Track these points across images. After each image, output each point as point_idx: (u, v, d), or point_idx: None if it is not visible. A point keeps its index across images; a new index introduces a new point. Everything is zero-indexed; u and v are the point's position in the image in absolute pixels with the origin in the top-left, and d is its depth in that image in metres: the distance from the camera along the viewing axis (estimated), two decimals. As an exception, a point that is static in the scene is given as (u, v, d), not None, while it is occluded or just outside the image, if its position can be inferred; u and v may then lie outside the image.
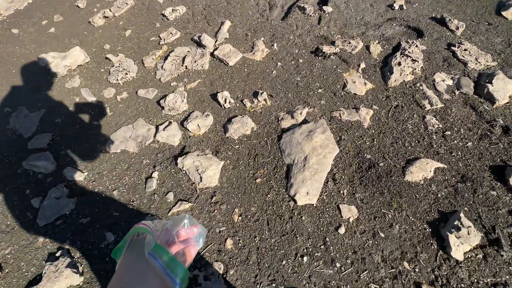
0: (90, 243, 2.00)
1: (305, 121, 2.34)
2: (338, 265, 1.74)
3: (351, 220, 1.87)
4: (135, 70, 2.90)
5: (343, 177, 2.05)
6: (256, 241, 1.87)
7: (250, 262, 1.81)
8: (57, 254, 1.94)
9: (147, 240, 0.52)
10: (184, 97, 2.58)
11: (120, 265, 0.52)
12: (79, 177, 2.26)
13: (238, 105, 2.55)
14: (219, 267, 1.79)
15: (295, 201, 1.97)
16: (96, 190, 2.21)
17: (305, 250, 1.81)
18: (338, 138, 2.23)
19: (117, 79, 2.80)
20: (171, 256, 0.51)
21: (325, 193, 2.00)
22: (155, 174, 2.22)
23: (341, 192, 1.99)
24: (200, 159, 2.17)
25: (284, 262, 1.79)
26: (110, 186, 2.22)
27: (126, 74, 2.82)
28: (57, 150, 2.46)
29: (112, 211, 2.10)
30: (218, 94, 2.52)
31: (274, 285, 1.72)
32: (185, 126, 2.40)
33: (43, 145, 2.48)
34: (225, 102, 2.50)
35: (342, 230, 1.84)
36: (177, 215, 0.78)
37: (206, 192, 2.11)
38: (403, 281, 1.66)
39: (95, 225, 2.07)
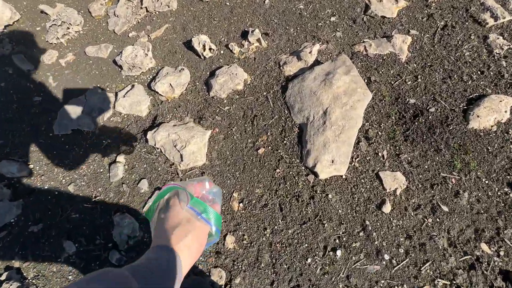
0: (46, 258, 1.49)
1: (317, 62, 1.67)
2: (387, 257, 1.23)
3: (398, 192, 1.32)
4: (80, 22, 2.15)
5: (379, 133, 1.46)
6: (267, 235, 1.34)
7: (262, 265, 1.30)
8: (2, 278, 1.44)
9: (181, 196, 0.56)
10: (148, 50, 1.88)
11: (160, 222, 0.54)
12: (22, 172, 1.68)
13: (222, 52, 1.86)
14: (219, 275, 1.29)
15: (315, 174, 1.40)
16: (46, 187, 1.64)
17: (337, 241, 1.29)
18: (366, 80, 1.59)
19: (58, 37, 2.08)
20: (207, 205, 0.55)
21: (357, 159, 1.41)
22: (121, 158, 1.63)
23: (380, 154, 1.41)
24: (177, 131, 1.56)
25: (309, 260, 1.27)
26: (64, 180, 1.65)
27: (68, 29, 2.09)
28: (-9, 140, 1.84)
29: (69, 213, 1.56)
30: (193, 40, 1.82)
31: (298, 292, 1.22)
32: (153, 88, 1.75)
33: (-29, 136, 1.86)
34: (204, 50, 1.81)
35: (387, 208, 1.29)
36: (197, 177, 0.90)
37: (191, 174, 1.54)
38: (484, 271, 1.15)
39: (50, 233, 1.54)
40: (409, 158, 1.38)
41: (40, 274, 1.46)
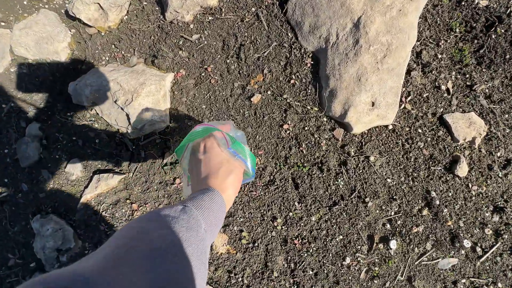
0: None
1: (333, -47, 1.05)
2: (467, 244, 0.79)
3: (476, 143, 0.84)
4: None
5: (439, 56, 0.93)
6: (278, 227, 0.86)
7: (275, 274, 0.83)
8: None
9: (220, 138, 0.56)
10: (59, -46, 1.15)
11: (200, 163, 0.54)
12: None
13: (180, -50, 1.17)
14: (209, 297, 0.81)
15: (346, 128, 0.89)
16: None
17: (388, 227, 0.82)
18: (411, -24, 1.01)
19: None
20: (244, 146, 0.58)
21: (409, 98, 0.90)
22: (34, 129, 1.03)
23: (443, 88, 0.90)
24: (117, 77, 0.95)
25: (347, 259, 0.81)
26: None
27: None
28: None
29: (-38, 222, 0.98)
30: None
31: (335, 310, 0.77)
32: (73, 13, 1.07)
33: None
34: None
35: (462, 169, 0.82)
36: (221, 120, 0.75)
37: (149, 144, 0.97)
38: None
39: None
40: (487, 90, 0.89)
41: None
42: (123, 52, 1.07)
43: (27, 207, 0.98)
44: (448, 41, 0.94)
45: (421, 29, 0.96)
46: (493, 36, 0.93)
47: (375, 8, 0.87)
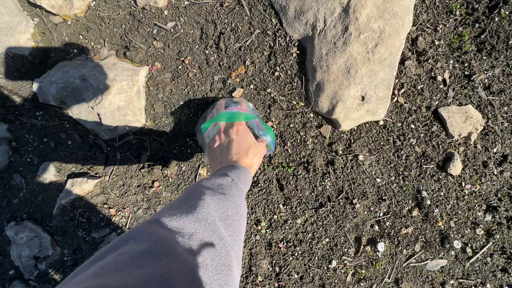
0: None
1: None
2: (457, 244, 0.76)
3: (472, 138, 0.79)
4: None
5: (436, 42, 0.85)
6: (262, 231, 0.82)
7: (259, 278, 0.80)
8: None
9: (255, 123, 0.69)
10: None
11: (232, 143, 0.61)
12: None
13: None
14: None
15: (334, 124, 0.83)
16: None
17: (376, 228, 0.79)
18: (408, -50, 0.90)
19: None
20: (269, 126, 0.71)
21: (402, 90, 0.83)
22: (2, 129, 0.96)
23: (439, 78, 0.83)
24: (85, 72, 0.87)
25: (334, 262, 0.79)
26: None
27: None
28: None
29: None
30: None
31: (320, 313, 0.76)
32: (33, 0, 0.96)
33: None
34: None
35: (456, 167, 0.77)
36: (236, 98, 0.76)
37: (124, 145, 0.91)
38: None
39: None
40: (486, 80, 0.82)
41: None
42: (92, 44, 0.98)
43: (1, 214, 0.93)
44: (447, 25, 0.86)
45: (418, 12, 0.87)
46: (496, 19, 0.84)
47: (367, -10, 0.78)
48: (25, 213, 0.92)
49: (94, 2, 1.00)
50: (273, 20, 0.90)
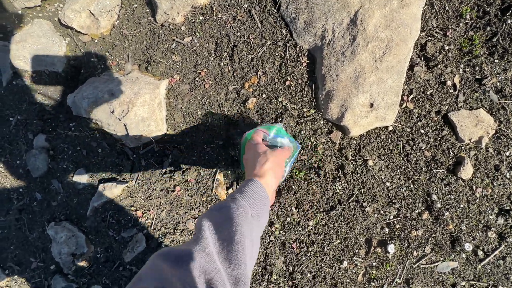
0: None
1: None
2: (468, 247, 0.77)
3: (483, 142, 0.79)
4: None
5: (446, 47, 0.86)
6: (276, 232, 0.87)
7: (274, 276, 0.86)
8: None
9: (260, 134, 0.70)
10: (47, -42, 1.13)
11: (246, 159, 0.66)
12: None
13: None
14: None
15: (343, 130, 0.87)
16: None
17: (386, 231, 0.82)
18: (417, -44, 0.91)
19: None
20: (277, 127, 0.73)
21: (411, 96, 0.85)
22: (41, 140, 1.07)
23: (449, 83, 0.84)
24: (112, 87, 0.96)
25: (345, 263, 0.82)
26: (-30, 183, 1.11)
27: None
28: None
29: (-13, 229, 1.07)
30: None
31: (332, 310, 0.80)
32: (65, 22, 1.07)
33: None
34: None
35: (466, 171, 0.79)
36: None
37: (148, 153, 0.99)
38: None
39: (-32, 259, 1.07)
40: (498, 84, 0.82)
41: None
42: (117, 59, 1.07)
43: (43, 215, 1.04)
44: (457, 30, 0.86)
45: (426, 17, 0.88)
46: (509, 21, 0.84)
47: (374, 0, 0.80)
48: (63, 215, 1.03)
49: (118, 21, 1.09)
50: (284, 31, 0.95)
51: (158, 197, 0.96)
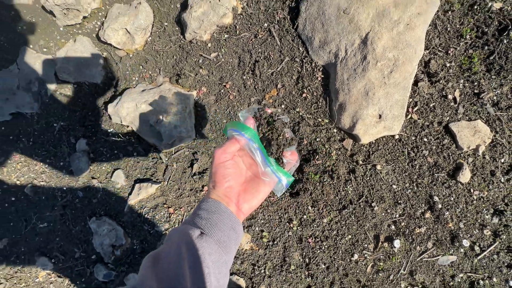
0: (22, 278, 1.20)
1: (342, -38, 1.07)
2: (466, 243, 0.87)
3: (480, 150, 0.89)
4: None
5: (448, 64, 0.96)
6: (294, 228, 0.99)
7: (292, 267, 0.97)
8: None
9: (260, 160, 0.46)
10: (86, -19, 1.26)
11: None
12: (-36, 177, 1.28)
13: (194, -32, 1.23)
14: (237, 285, 0.98)
15: (355, 138, 0.97)
16: (5, 187, 1.26)
17: (392, 228, 0.92)
18: (422, -19, 1.01)
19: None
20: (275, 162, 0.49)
21: (416, 108, 0.96)
22: (82, 144, 1.20)
23: (450, 97, 0.94)
24: (148, 98, 1.08)
25: (355, 256, 0.93)
26: (18, 181, 1.26)
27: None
28: None
29: (35, 223, 1.21)
30: (148, -46, 1.18)
31: (344, 297, 0.91)
32: (104, 39, 1.20)
33: None
34: (167, -32, 1.19)
35: (465, 175, 0.88)
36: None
37: (179, 156, 1.12)
38: None
39: (18, 249, 1.22)
40: (495, 98, 0.92)
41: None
42: (150, 72, 1.19)
43: (84, 211, 1.18)
44: (458, 48, 0.96)
45: (430, 37, 0.98)
46: (505, 41, 0.93)
47: (383, 24, 0.91)
48: (102, 211, 1.16)
49: (150, 38, 1.22)
50: (301, 48, 1.06)
51: (188, 196, 1.08)
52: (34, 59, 1.29)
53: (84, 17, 1.27)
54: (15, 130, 1.28)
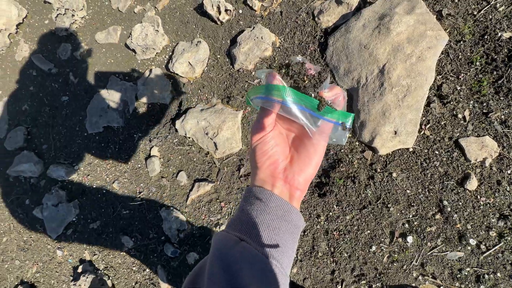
0: (111, 251, 1.59)
1: (364, 3, 1.28)
2: (472, 242, 1.02)
3: (487, 162, 1.03)
4: (83, 6, 1.95)
5: (458, 87, 1.12)
6: (321, 222, 1.21)
7: (320, 254, 1.19)
8: (79, 270, 1.60)
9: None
10: (158, 25, 1.64)
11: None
12: (70, 174, 1.73)
13: (241, 11, 1.54)
14: (274, 266, 1.23)
15: (374, 150, 1.17)
16: (94, 186, 1.68)
17: (406, 226, 1.10)
18: (436, 16, 1.18)
19: (66, 28, 1.93)
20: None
21: (428, 125, 1.13)
22: (155, 151, 1.56)
23: (460, 116, 1.10)
24: (206, 116, 1.40)
25: (373, 247, 1.13)
26: (108, 178, 1.66)
27: (73, 16, 1.91)
28: (37, 145, 1.91)
29: (120, 210, 1.60)
30: (205, 3, 1.52)
31: (364, 281, 1.11)
32: (172, 70, 1.56)
33: (20, 143, 1.94)
34: (220, 13, 1.51)
35: (472, 184, 1.03)
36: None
37: (229, 162, 1.41)
38: None
39: (107, 229, 1.61)
40: (502, 117, 1.05)
41: (109, 265, 1.58)
42: (206, 95, 1.52)
43: (156, 202, 1.53)
44: (468, 73, 1.11)
45: (443, 64, 1.14)
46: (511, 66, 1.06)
47: (398, 57, 1.10)
48: (170, 202, 1.50)
49: (206, 68, 1.55)
50: (329, 74, 1.29)
51: (236, 194, 1.37)
52: (119, 85, 1.70)
53: (157, 53, 1.65)
54: (106, 139, 1.69)
